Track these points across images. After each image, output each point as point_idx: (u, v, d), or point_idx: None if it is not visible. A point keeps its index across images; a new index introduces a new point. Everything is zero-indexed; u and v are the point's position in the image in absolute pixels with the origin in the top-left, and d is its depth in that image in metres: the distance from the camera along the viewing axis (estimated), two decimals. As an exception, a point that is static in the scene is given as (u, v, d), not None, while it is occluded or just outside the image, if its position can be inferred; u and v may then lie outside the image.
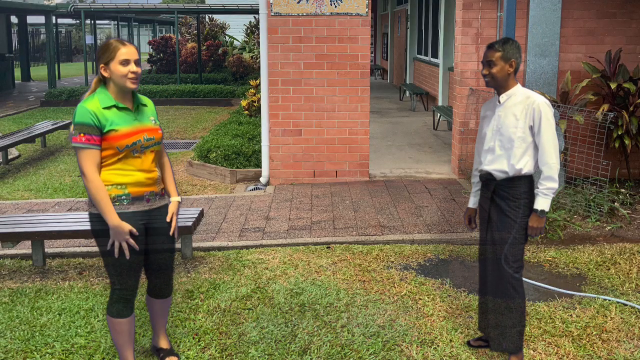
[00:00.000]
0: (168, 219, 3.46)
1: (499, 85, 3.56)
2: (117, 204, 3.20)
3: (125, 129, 3.19)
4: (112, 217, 3.16)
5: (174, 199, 3.51)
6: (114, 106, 3.20)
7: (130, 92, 3.29)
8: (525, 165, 3.49)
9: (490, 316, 3.71)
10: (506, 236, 3.53)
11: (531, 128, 3.47)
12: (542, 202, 3.44)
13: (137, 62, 3.22)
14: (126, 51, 3.17)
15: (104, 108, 3.17)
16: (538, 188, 3.47)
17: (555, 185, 3.45)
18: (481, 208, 3.77)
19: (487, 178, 3.64)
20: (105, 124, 3.15)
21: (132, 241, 3.21)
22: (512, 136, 3.49)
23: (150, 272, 3.55)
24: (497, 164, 3.55)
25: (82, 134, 3.12)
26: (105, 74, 3.20)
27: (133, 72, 3.18)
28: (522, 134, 3.47)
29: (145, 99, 3.42)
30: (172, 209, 3.48)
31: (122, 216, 3.20)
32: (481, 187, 3.76)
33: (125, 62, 3.17)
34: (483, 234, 3.74)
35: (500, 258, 3.56)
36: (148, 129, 3.30)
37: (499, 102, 3.58)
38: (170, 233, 3.46)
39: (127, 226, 3.19)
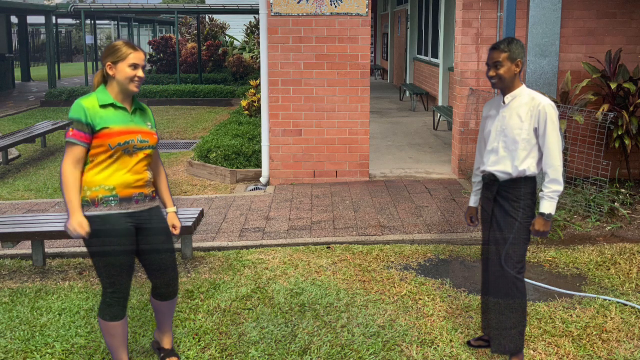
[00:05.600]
0: (173, 232, 3.53)
1: (505, 86, 3.51)
2: (104, 205, 3.21)
3: (119, 127, 3.21)
4: (73, 207, 3.14)
5: (170, 209, 3.56)
6: (111, 104, 3.24)
7: (131, 95, 3.33)
8: (528, 167, 3.47)
9: (491, 317, 3.70)
10: (508, 237, 3.51)
11: (535, 130, 3.44)
12: (549, 206, 3.42)
13: (143, 68, 3.29)
14: (136, 56, 3.25)
15: (101, 106, 3.21)
16: (542, 191, 3.44)
17: (561, 188, 3.43)
18: (482, 209, 3.76)
19: (490, 179, 3.61)
20: (98, 121, 3.17)
21: (82, 233, 3.14)
22: (517, 137, 3.46)
23: (151, 273, 3.51)
24: (500, 165, 3.52)
25: (71, 129, 3.16)
26: (111, 72, 3.24)
27: (139, 77, 3.25)
28: (527, 135, 3.45)
29: (144, 106, 3.45)
30: (171, 221, 3.54)
31: (110, 217, 3.21)
32: (483, 188, 3.73)
33: (134, 66, 3.23)
34: (486, 234, 3.73)
35: (505, 258, 3.53)
36: (143, 131, 3.31)
37: (504, 102, 3.54)
38: (177, 232, 3.55)
39: (81, 220, 3.14)
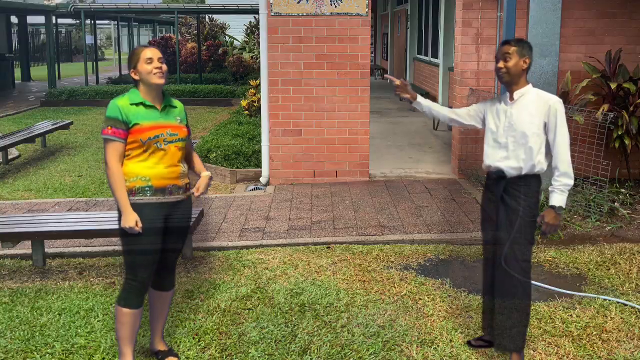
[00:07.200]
0: (195, 192, 3.59)
1: (512, 81, 3.54)
2: (140, 194, 3.41)
3: (148, 123, 3.42)
4: (125, 205, 3.37)
5: (205, 174, 3.68)
6: (141, 103, 3.45)
7: (161, 93, 3.52)
8: (538, 162, 3.50)
9: (494, 317, 3.68)
10: (516, 235, 3.50)
11: (545, 125, 3.48)
12: (560, 199, 3.47)
13: (160, 60, 3.47)
14: (149, 51, 3.46)
15: (132, 104, 3.43)
16: (553, 185, 3.47)
17: (571, 182, 3.47)
18: (483, 209, 3.75)
19: (498, 175, 3.60)
20: (131, 119, 3.39)
21: (137, 229, 3.37)
22: (527, 131, 3.48)
23: (157, 268, 3.62)
24: (511, 160, 3.52)
25: (109, 127, 3.38)
26: (136, 77, 3.47)
27: (157, 68, 3.43)
28: (537, 130, 3.48)
29: (175, 102, 3.64)
30: (202, 181, 3.62)
31: (145, 206, 3.40)
32: (486, 189, 3.73)
33: (149, 60, 3.43)
34: (488, 235, 3.72)
35: (508, 258, 3.52)
36: (172, 125, 3.51)
37: (512, 99, 3.56)
38: (196, 194, 3.58)
39: (134, 217, 3.36)
